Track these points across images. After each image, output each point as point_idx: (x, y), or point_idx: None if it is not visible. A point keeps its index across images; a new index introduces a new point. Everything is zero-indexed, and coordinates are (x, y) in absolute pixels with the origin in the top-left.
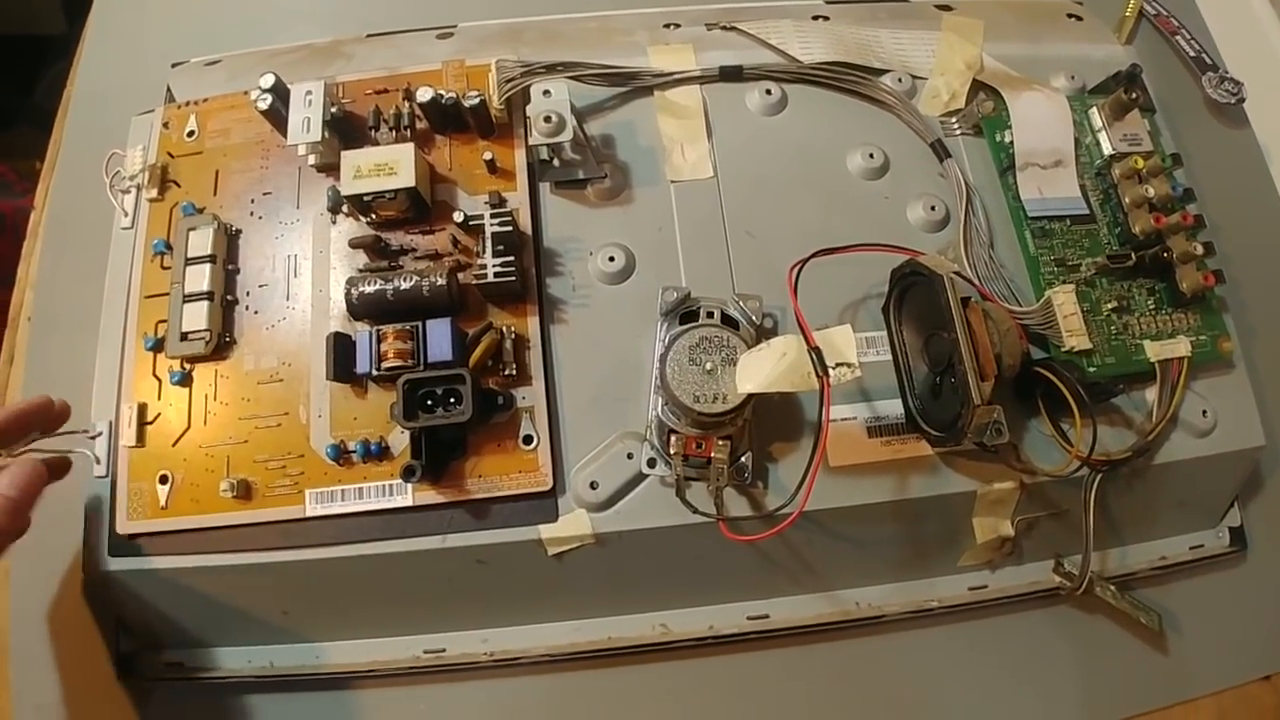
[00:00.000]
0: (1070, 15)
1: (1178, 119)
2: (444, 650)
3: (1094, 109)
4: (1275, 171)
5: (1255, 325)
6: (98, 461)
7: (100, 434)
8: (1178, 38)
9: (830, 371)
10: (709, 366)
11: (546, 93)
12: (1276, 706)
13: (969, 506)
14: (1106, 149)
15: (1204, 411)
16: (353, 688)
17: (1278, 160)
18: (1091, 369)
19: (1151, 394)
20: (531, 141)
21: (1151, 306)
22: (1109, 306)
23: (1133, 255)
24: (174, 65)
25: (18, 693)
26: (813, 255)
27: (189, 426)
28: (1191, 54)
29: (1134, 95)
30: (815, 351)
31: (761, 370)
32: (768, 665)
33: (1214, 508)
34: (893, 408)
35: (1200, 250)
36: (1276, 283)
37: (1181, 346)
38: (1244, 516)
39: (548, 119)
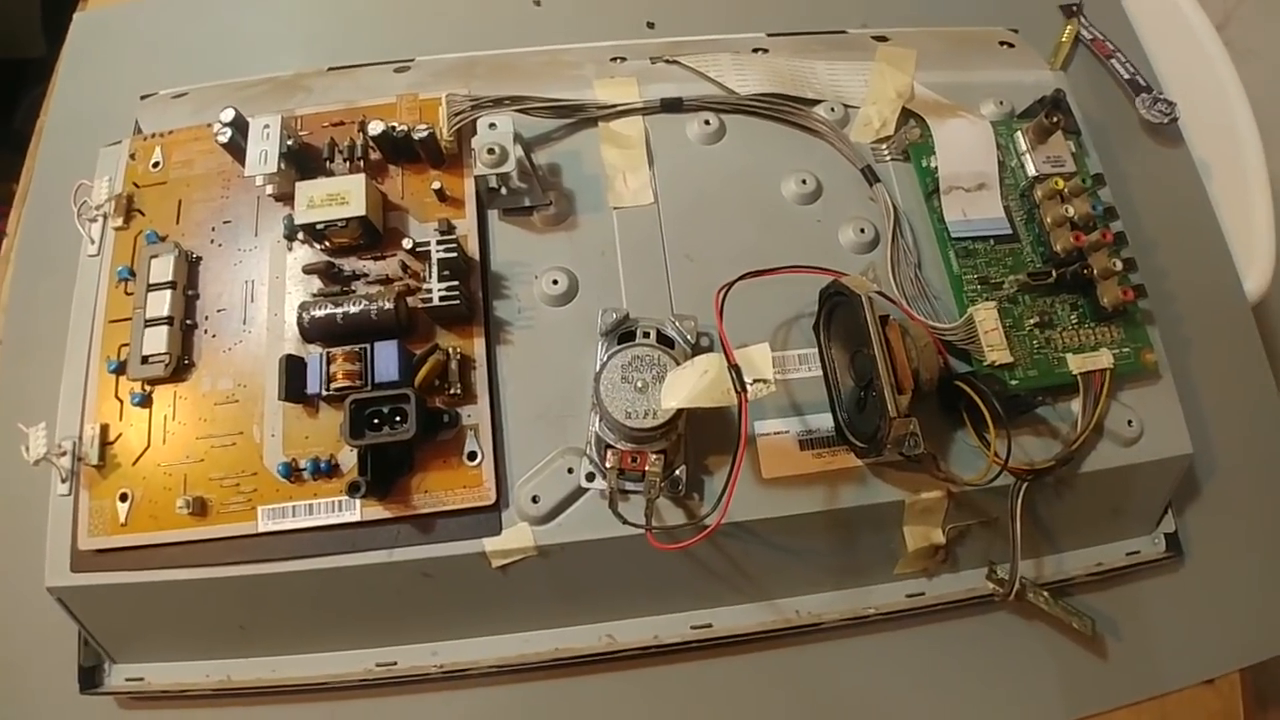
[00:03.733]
0: (1002, 43)
1: (1114, 139)
2: (395, 663)
3: (1019, 133)
4: (1211, 187)
5: (1190, 336)
6: (63, 480)
7: (66, 453)
8: (1113, 61)
9: (748, 387)
10: (640, 384)
11: (492, 125)
12: (1222, 711)
13: (899, 515)
14: (1031, 171)
15: (1129, 421)
16: (308, 700)
17: (1215, 175)
18: (1014, 381)
19: (1077, 405)
20: (477, 172)
21: (1074, 321)
22: (1031, 322)
23: (1053, 272)
24: (143, 97)
25: None
26: (739, 278)
27: (149, 446)
28: (1126, 76)
29: (1055, 119)
30: (735, 369)
31: (685, 387)
32: (712, 673)
33: (1148, 515)
34: (824, 421)
35: (1120, 266)
36: (1210, 294)
37: (1104, 359)
38: (1181, 523)
39: (491, 151)
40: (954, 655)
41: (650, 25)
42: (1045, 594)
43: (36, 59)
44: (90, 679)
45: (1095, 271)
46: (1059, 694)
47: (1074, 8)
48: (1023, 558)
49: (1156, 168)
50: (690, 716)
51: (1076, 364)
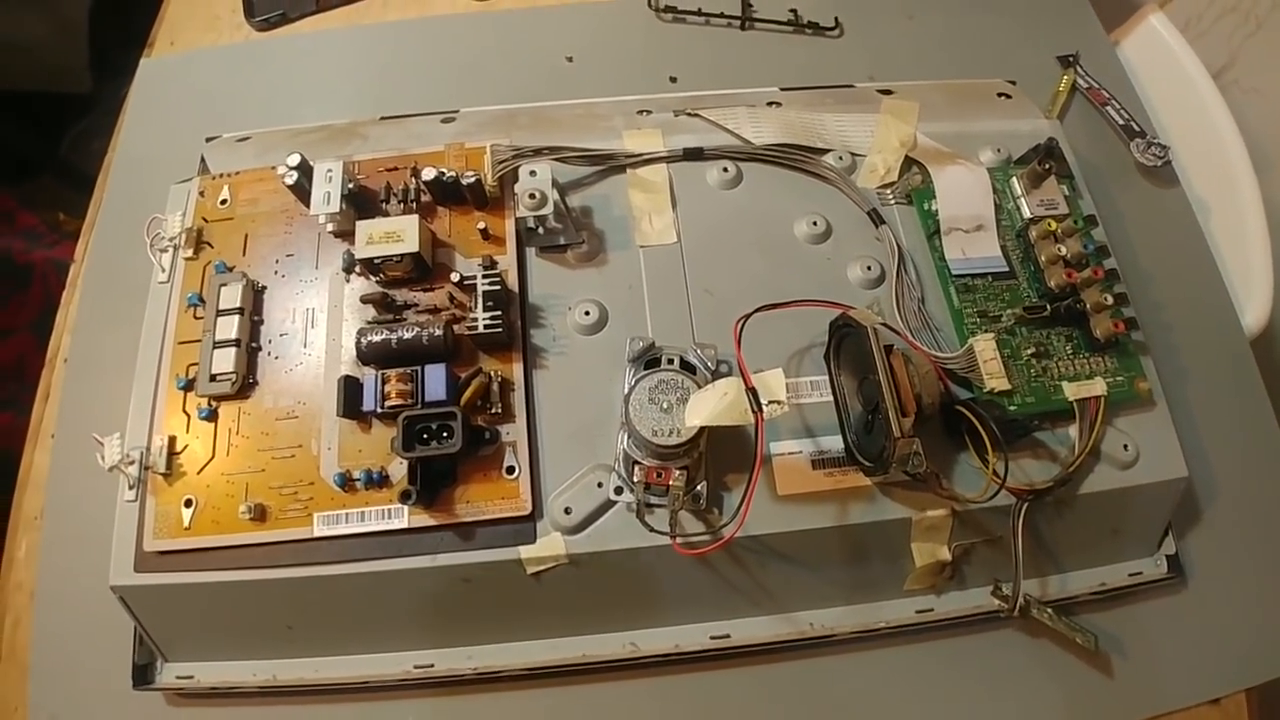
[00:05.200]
0: (1000, 94)
1: (1110, 182)
2: (432, 665)
3: (1014, 178)
4: (1209, 224)
5: (1188, 367)
6: (131, 487)
7: (134, 462)
8: (1108, 108)
9: (764, 408)
10: (665, 405)
11: (532, 173)
12: None
13: (907, 532)
14: (1026, 213)
15: (1125, 445)
16: (348, 700)
17: (1213, 213)
18: (1012, 407)
19: (1074, 430)
20: (518, 214)
21: (1070, 351)
22: (1028, 352)
23: (1048, 307)
24: (208, 139)
25: (35, 703)
26: (756, 310)
27: (213, 457)
28: (1121, 122)
29: (1047, 166)
30: (752, 392)
31: (706, 407)
32: (730, 682)
33: (1148, 537)
34: (834, 443)
35: (1111, 301)
36: (1207, 326)
37: (1098, 386)
38: (1183, 546)
39: (532, 196)
40: (962, 669)
41: (673, 80)
42: (1049, 610)
43: (83, 94)
44: (143, 676)
45: (1088, 306)
46: (1065, 710)
47: (1070, 58)
48: (1027, 577)
49: (1152, 208)
50: None
51: (1072, 391)
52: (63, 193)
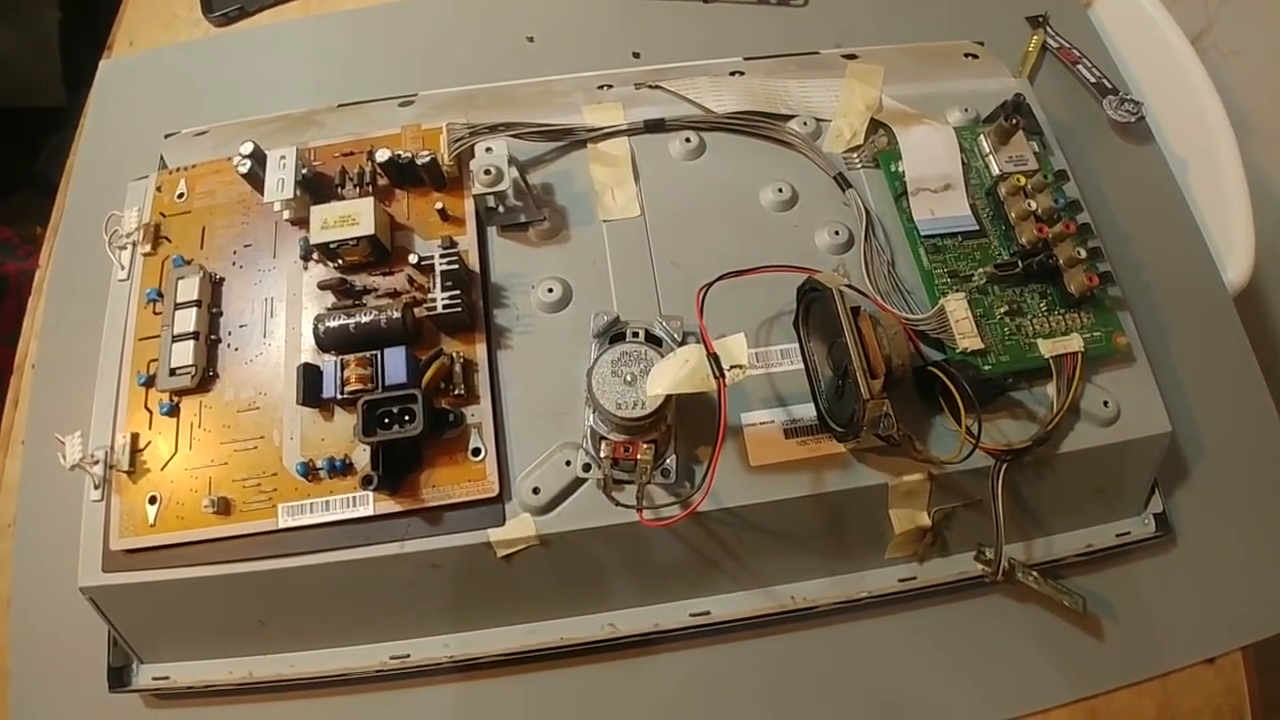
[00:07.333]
0: (967, 55)
1: (1084, 140)
2: (408, 656)
3: (982, 136)
4: (1189, 182)
5: (1170, 324)
6: (96, 486)
7: (99, 461)
8: (1079, 66)
9: (726, 373)
10: (629, 378)
11: (489, 149)
12: (1224, 690)
13: (885, 499)
14: (995, 170)
15: (1105, 402)
16: (326, 694)
17: (1193, 170)
18: (987, 367)
19: (1052, 389)
20: (474, 192)
21: (1044, 308)
22: (1001, 310)
23: (1019, 263)
24: (166, 136)
25: (14, 711)
26: (718, 278)
27: (176, 451)
28: (1092, 80)
29: (1014, 121)
30: (713, 358)
31: (668, 375)
32: (712, 660)
33: (1134, 495)
34: (806, 411)
35: (1084, 255)
36: (1188, 283)
37: (1074, 342)
38: (1172, 505)
39: (487, 172)
40: (949, 637)
41: (636, 55)
42: (1034, 574)
43: (58, 107)
44: (119, 678)
45: (1060, 261)
46: (1058, 675)
47: (1039, 19)
48: (1011, 541)
49: (1128, 165)
50: (691, 701)
51: (1047, 348)
52: (40, 206)
